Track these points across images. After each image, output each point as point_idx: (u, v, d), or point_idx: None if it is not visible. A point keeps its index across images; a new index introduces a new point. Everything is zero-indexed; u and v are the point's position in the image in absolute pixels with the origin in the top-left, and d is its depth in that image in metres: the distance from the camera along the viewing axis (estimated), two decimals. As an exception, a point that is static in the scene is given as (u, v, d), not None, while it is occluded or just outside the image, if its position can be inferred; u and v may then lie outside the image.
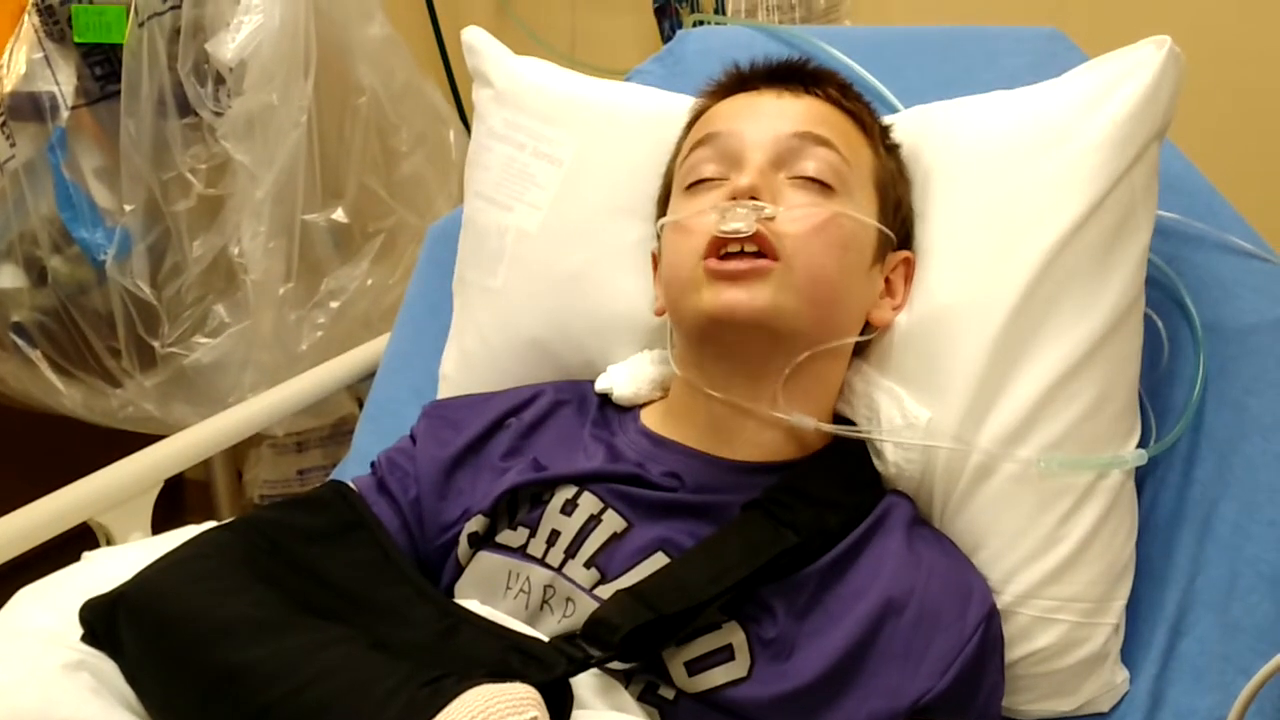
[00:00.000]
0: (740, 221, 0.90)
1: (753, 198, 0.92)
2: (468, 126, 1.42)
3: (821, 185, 0.95)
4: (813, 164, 0.95)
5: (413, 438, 1.04)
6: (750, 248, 0.91)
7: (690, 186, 0.98)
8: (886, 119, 1.07)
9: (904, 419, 0.96)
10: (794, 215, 0.92)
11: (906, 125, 1.08)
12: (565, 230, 1.13)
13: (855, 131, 1.00)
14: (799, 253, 0.91)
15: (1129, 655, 0.98)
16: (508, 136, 1.18)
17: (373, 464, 1.04)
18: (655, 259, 1.07)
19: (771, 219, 0.91)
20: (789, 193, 0.94)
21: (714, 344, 0.95)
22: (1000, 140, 1.00)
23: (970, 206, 0.99)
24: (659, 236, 1.04)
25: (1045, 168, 0.96)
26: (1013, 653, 0.94)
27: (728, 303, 0.90)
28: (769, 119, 0.98)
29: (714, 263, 0.91)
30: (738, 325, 0.91)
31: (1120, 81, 0.96)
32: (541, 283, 1.14)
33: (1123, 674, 0.97)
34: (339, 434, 1.97)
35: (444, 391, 1.19)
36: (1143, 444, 0.98)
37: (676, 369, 1.00)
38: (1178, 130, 1.00)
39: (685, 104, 1.11)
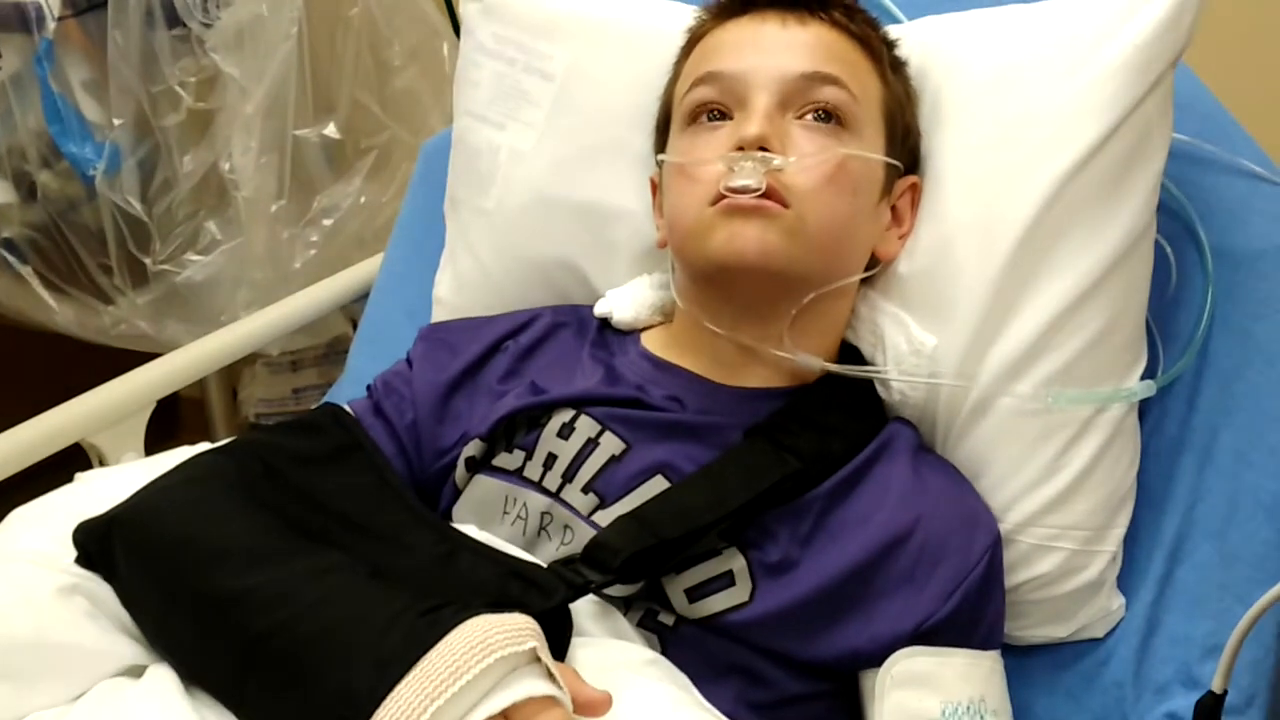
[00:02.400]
0: (749, 178, 0.88)
1: (761, 148, 0.90)
2: (462, 40, 1.39)
3: (830, 125, 0.92)
4: (821, 104, 0.92)
5: (409, 361, 1.03)
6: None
7: (692, 124, 0.96)
8: (893, 31, 1.04)
9: (910, 345, 0.96)
10: (804, 165, 0.90)
11: (916, 38, 1.04)
12: (560, 148, 1.11)
13: (863, 60, 0.97)
14: (809, 202, 0.90)
15: (1126, 582, 0.98)
16: (498, 52, 1.15)
17: (369, 387, 1.03)
18: (654, 185, 1.05)
19: (780, 170, 0.89)
20: (797, 137, 0.92)
21: (721, 287, 0.93)
22: (1014, 60, 0.98)
23: (981, 128, 0.97)
24: (659, 164, 1.02)
25: (1061, 91, 0.94)
26: (1011, 579, 0.95)
27: (738, 247, 0.89)
28: (775, 54, 0.94)
29: (722, 201, 0.89)
30: (747, 270, 0.90)
31: (1141, 3, 0.93)
32: (537, 203, 1.12)
33: (1119, 600, 0.98)
34: (334, 353, 1.96)
35: (438, 315, 1.18)
36: (1149, 372, 0.97)
37: (680, 303, 0.99)
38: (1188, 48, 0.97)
39: (681, 14, 1.07)
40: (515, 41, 1.14)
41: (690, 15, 1.05)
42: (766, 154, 0.89)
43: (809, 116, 0.92)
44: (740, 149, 0.90)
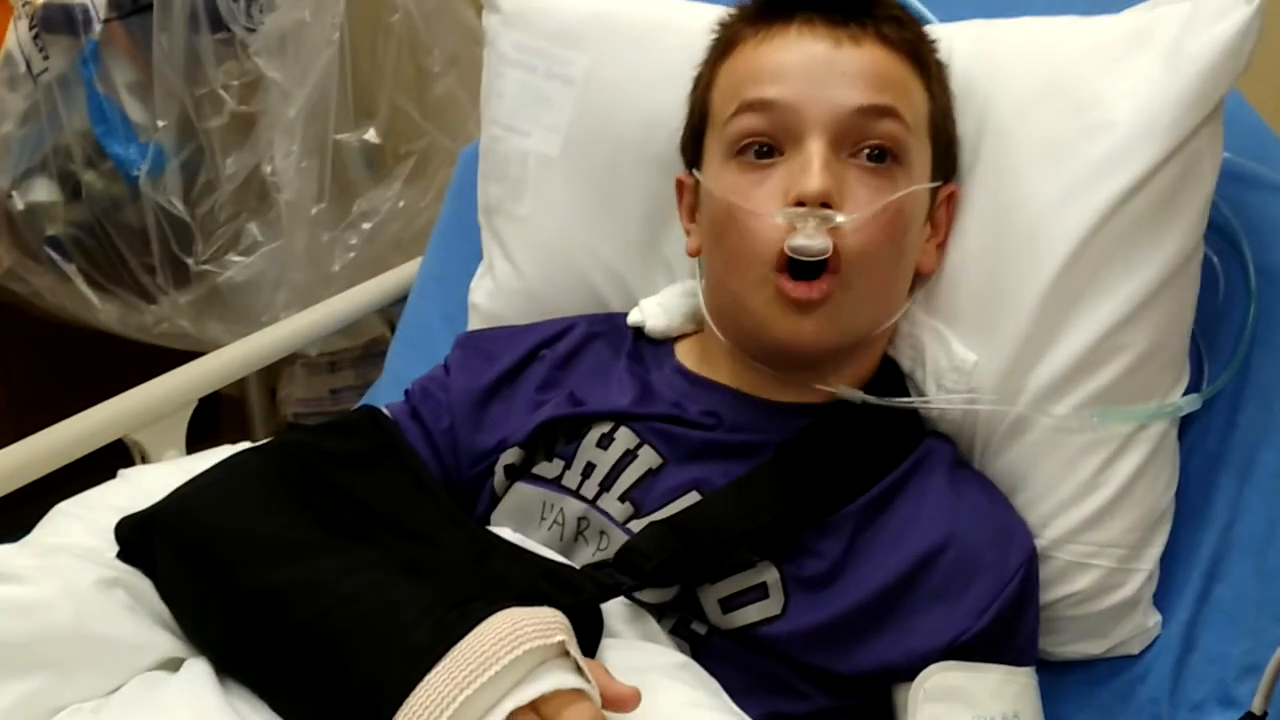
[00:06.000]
0: (812, 238, 0.86)
1: (822, 203, 0.87)
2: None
3: (884, 165, 0.90)
4: (876, 142, 0.90)
5: (446, 368, 1.04)
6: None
7: (738, 155, 0.92)
8: (931, 32, 1.00)
9: (950, 362, 0.95)
10: (862, 221, 0.88)
11: (962, 40, 1.02)
12: (586, 153, 1.11)
13: (913, 77, 0.93)
14: (862, 263, 0.88)
15: (1163, 598, 0.98)
16: (519, 61, 1.15)
17: (406, 392, 1.04)
18: (681, 186, 1.03)
19: (839, 228, 0.87)
20: (853, 184, 0.89)
21: (772, 352, 0.93)
22: (1071, 74, 0.95)
23: (1034, 142, 0.94)
24: (688, 168, 1.01)
25: (1120, 111, 0.91)
26: (1047, 595, 0.94)
27: (797, 340, 0.89)
28: (829, 83, 0.90)
29: (787, 285, 0.88)
30: (805, 355, 0.91)
31: (1205, 29, 0.90)
32: (568, 208, 1.12)
33: (1155, 618, 0.97)
34: (371, 355, 1.98)
35: (474, 322, 1.18)
36: (1193, 386, 0.96)
37: (715, 329, 0.97)
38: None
39: (698, 11, 1.06)
40: (536, 49, 1.14)
41: (712, 12, 1.02)
42: (828, 211, 0.87)
43: (863, 156, 0.90)
44: (799, 202, 0.88)
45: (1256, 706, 0.82)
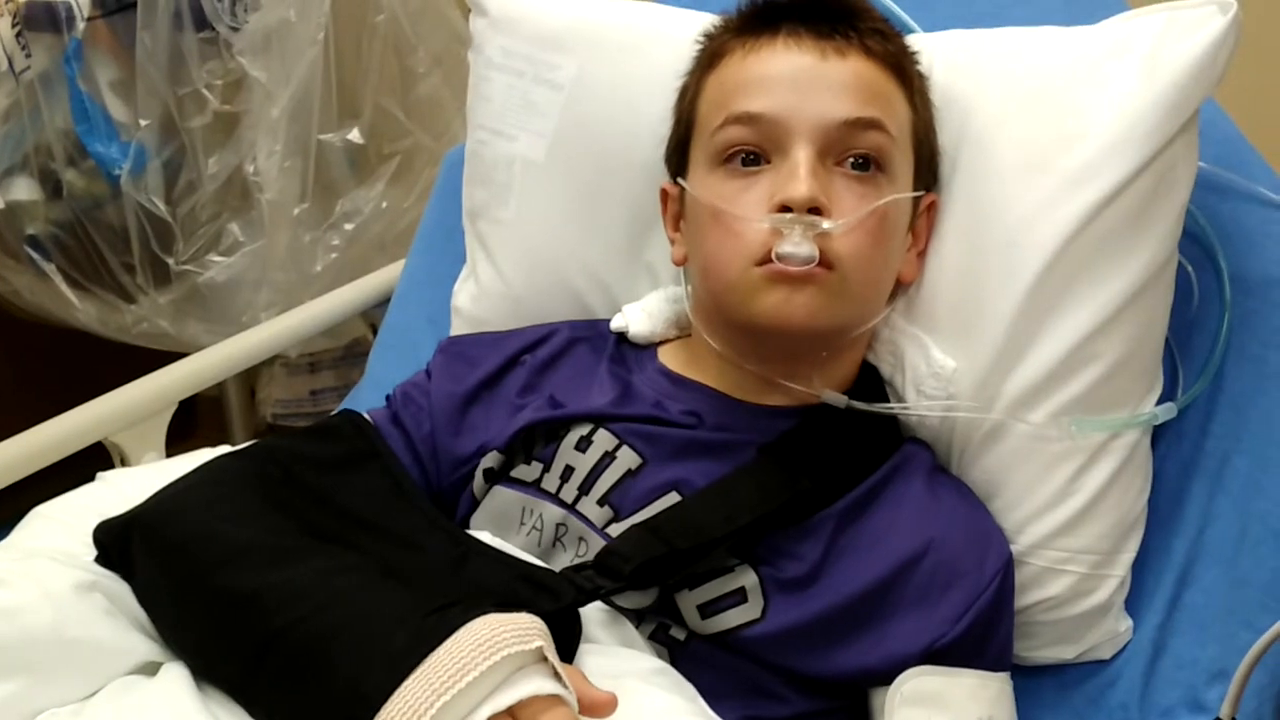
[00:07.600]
0: (799, 245, 0.87)
1: (809, 209, 0.88)
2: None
3: (869, 173, 0.91)
4: (862, 152, 0.91)
5: (428, 373, 1.04)
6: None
7: (724, 163, 0.93)
8: (912, 42, 1.01)
9: (929, 368, 0.96)
10: (849, 226, 0.88)
11: (942, 51, 1.02)
12: (571, 158, 1.11)
13: (896, 89, 0.94)
14: (852, 262, 0.89)
15: (1134, 604, 0.98)
16: (506, 65, 1.15)
17: (388, 397, 1.04)
18: (665, 194, 1.04)
19: (827, 235, 0.88)
20: (840, 191, 0.90)
21: (759, 341, 0.93)
22: (1049, 84, 0.96)
23: (1012, 151, 0.95)
24: (673, 178, 1.01)
25: (1097, 121, 0.92)
26: (1020, 600, 0.95)
27: (786, 314, 0.88)
28: (815, 95, 0.91)
29: (771, 266, 0.88)
30: (792, 333, 0.90)
31: (1180, 39, 0.91)
32: (553, 213, 1.12)
33: (1126, 623, 0.98)
34: (352, 355, 1.98)
35: (456, 326, 1.18)
36: (1167, 394, 0.97)
37: (701, 331, 0.98)
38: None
39: (688, 20, 1.07)
40: (523, 54, 1.14)
41: (699, 20, 1.03)
42: (815, 217, 0.88)
43: (848, 164, 0.91)
44: (785, 207, 0.88)
45: (1225, 712, 0.83)
